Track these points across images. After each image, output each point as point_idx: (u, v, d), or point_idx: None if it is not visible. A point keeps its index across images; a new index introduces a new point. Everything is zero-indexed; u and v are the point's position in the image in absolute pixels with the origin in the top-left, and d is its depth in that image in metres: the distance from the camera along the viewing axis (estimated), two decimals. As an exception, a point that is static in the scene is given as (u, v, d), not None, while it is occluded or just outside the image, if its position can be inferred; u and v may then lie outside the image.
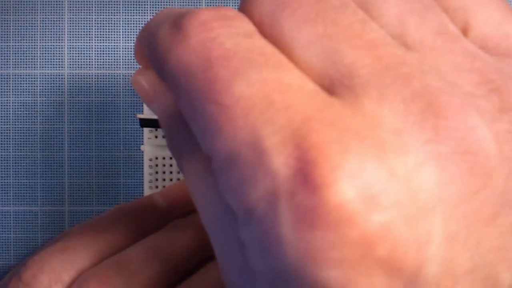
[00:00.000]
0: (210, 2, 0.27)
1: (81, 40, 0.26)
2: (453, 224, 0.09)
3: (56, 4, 0.26)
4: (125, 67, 0.26)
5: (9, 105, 0.26)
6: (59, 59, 0.26)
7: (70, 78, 0.26)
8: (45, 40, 0.26)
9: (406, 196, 0.09)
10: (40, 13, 0.26)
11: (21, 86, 0.26)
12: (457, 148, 0.10)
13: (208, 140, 0.10)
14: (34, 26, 0.26)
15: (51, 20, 0.26)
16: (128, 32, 0.26)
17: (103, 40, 0.26)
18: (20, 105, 0.26)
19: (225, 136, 0.10)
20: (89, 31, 0.26)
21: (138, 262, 0.19)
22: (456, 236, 0.09)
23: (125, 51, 0.26)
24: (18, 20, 0.26)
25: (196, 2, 0.27)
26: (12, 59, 0.26)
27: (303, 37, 0.11)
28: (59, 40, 0.26)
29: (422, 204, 0.09)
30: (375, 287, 0.09)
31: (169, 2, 0.27)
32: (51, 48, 0.26)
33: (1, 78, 0.26)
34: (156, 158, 0.26)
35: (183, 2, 0.27)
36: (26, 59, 0.26)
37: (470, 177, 0.10)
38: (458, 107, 0.10)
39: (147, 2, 0.27)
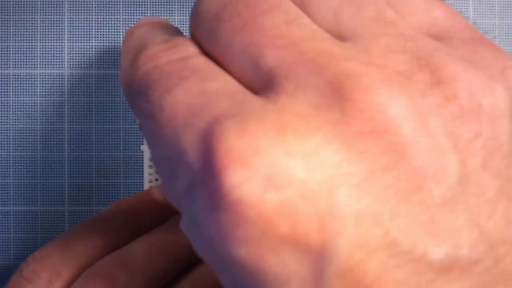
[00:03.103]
0: (210, 2, 0.27)
1: (81, 40, 0.26)
2: (362, 199, 0.10)
3: (56, 4, 0.26)
4: (125, 67, 0.26)
5: (9, 105, 0.26)
6: (59, 59, 0.26)
7: (70, 78, 0.26)
8: (45, 40, 0.26)
9: (303, 174, 0.09)
10: (40, 13, 0.26)
11: (21, 86, 0.26)
12: (363, 127, 0.10)
13: (149, 145, 0.12)
14: (34, 26, 0.26)
15: (51, 20, 0.26)
16: (128, 32, 0.26)
17: (103, 40, 0.26)
18: (20, 105, 0.26)
19: (157, 142, 0.11)
20: (89, 31, 0.26)
21: (143, 258, 0.19)
22: (366, 211, 0.10)
23: (125, 51, 0.26)
24: (18, 20, 0.26)
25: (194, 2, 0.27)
26: (12, 59, 0.26)
27: (235, 48, 0.11)
28: (59, 40, 0.26)
29: (323, 181, 0.09)
30: (286, 263, 0.09)
31: (169, 2, 0.27)
32: (51, 48, 0.26)
33: (1, 78, 0.26)
34: (156, 158, 0.26)
35: (183, 2, 0.27)
36: (26, 59, 0.26)
37: (379, 154, 0.10)
38: (369, 88, 0.10)
39: (147, 2, 0.27)
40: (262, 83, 0.11)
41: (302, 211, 0.09)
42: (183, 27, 0.26)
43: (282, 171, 0.09)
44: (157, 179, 0.26)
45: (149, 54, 0.12)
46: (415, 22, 0.12)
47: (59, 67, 0.26)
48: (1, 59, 0.26)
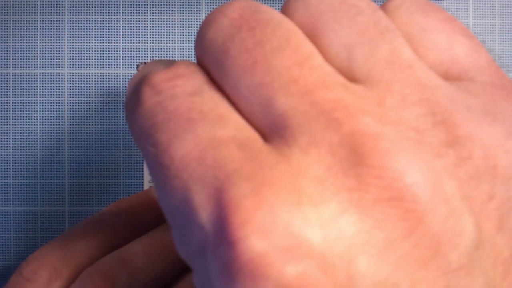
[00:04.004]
0: (210, 2, 0.27)
1: (81, 40, 0.26)
2: (381, 269, 0.09)
3: (56, 4, 0.26)
4: (125, 67, 0.26)
5: (9, 105, 0.26)
6: (59, 59, 0.26)
7: (70, 78, 0.26)
8: (45, 40, 0.26)
9: (321, 245, 0.09)
10: (40, 13, 0.26)
11: (21, 86, 0.26)
12: (381, 195, 0.09)
13: (157, 191, 0.11)
14: (34, 26, 0.26)
15: (51, 20, 0.26)
16: (128, 32, 0.26)
17: (103, 40, 0.26)
18: (20, 105, 0.26)
19: (166, 194, 0.10)
20: (89, 31, 0.26)
21: (142, 258, 0.19)
22: (385, 281, 0.09)
23: (125, 51, 0.26)
24: (18, 20, 0.26)
25: (196, 2, 0.27)
26: (12, 59, 0.26)
27: (244, 86, 0.11)
28: (59, 40, 0.26)
29: (342, 251, 0.09)
30: None
31: (169, 2, 0.27)
32: (51, 48, 0.26)
33: (1, 78, 0.26)
34: (156, 158, 0.26)
35: (183, 2, 0.27)
36: (26, 59, 0.26)
37: (397, 222, 0.09)
38: (385, 153, 0.10)
39: (147, 2, 0.27)
40: (272, 128, 0.10)
41: (322, 283, 0.09)
42: (183, 27, 0.27)
43: (301, 243, 0.09)
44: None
45: (152, 83, 0.11)
46: (434, 60, 0.12)
47: (59, 67, 0.26)
48: (1, 59, 0.26)
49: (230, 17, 0.11)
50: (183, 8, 0.27)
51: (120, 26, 0.26)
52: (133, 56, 0.26)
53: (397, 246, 0.09)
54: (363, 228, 0.09)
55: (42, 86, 0.26)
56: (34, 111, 0.26)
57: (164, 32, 0.26)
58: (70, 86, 0.26)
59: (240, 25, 0.11)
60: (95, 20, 0.26)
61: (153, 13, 0.27)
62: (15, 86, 0.26)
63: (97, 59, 0.26)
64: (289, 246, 0.09)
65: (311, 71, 0.10)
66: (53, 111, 0.26)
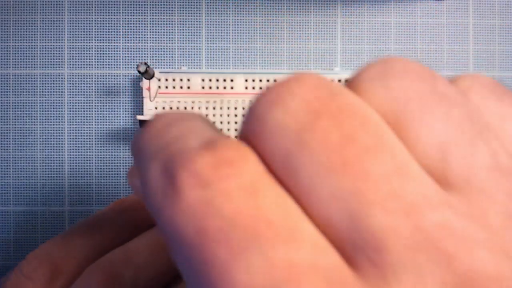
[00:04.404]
0: (210, 2, 0.27)
1: (81, 40, 0.26)
2: None
3: (56, 4, 0.26)
4: (125, 67, 0.26)
5: (9, 105, 0.26)
6: (59, 59, 0.26)
7: (70, 78, 0.26)
8: (45, 40, 0.26)
9: None
10: (40, 13, 0.26)
11: (21, 86, 0.26)
12: None
13: None
14: (34, 26, 0.26)
15: (51, 20, 0.26)
16: (128, 32, 0.26)
17: (103, 40, 0.26)
18: (20, 105, 0.26)
19: None
20: (89, 31, 0.26)
21: (146, 255, 0.19)
22: None
23: (125, 51, 0.26)
24: (18, 20, 0.26)
25: (196, 2, 0.27)
26: (12, 59, 0.26)
27: (325, 189, 0.09)
28: (59, 40, 0.26)
29: None
30: None
31: (169, 2, 0.27)
32: (51, 48, 0.26)
33: (1, 78, 0.26)
34: (156, 158, 0.26)
35: (183, 2, 0.27)
36: (26, 59, 0.26)
37: None
38: None
39: (147, 2, 0.27)
40: (359, 247, 0.08)
41: None
42: (183, 27, 0.26)
43: None
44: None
45: (195, 171, 0.09)
46: None
47: (59, 67, 0.26)
48: (1, 59, 0.26)
49: (304, 98, 0.09)
50: (183, 8, 0.27)
51: (120, 26, 0.26)
52: (133, 56, 0.26)
53: None
54: None
55: (42, 86, 0.26)
56: (34, 111, 0.26)
57: (164, 32, 0.26)
58: (70, 86, 0.26)
59: (319, 111, 0.09)
60: (95, 20, 0.26)
61: (153, 13, 0.27)
62: (15, 86, 0.26)
63: (97, 59, 0.26)
64: None
65: (411, 181, 0.09)
66: (53, 111, 0.26)
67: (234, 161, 0.09)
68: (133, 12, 0.27)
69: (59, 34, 0.26)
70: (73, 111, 0.26)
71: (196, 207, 0.08)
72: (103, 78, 0.26)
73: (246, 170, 0.09)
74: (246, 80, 0.25)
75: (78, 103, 0.26)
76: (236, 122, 0.25)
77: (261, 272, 0.08)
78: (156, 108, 0.25)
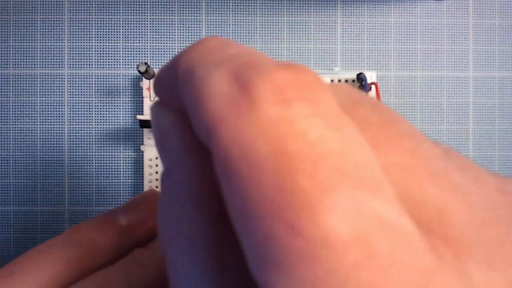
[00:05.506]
0: (210, 2, 0.27)
1: (81, 40, 0.26)
2: None
3: (56, 4, 0.26)
4: (125, 67, 0.26)
5: (9, 105, 0.26)
6: (59, 59, 0.26)
7: (70, 78, 0.26)
8: (45, 40, 0.26)
9: None
10: (40, 13, 0.26)
11: (21, 86, 0.26)
12: None
13: (263, 274, 0.07)
14: (34, 26, 0.26)
15: (51, 20, 0.26)
16: (128, 32, 0.26)
17: (103, 40, 0.26)
18: (20, 105, 0.26)
19: (296, 283, 0.07)
20: (89, 31, 0.26)
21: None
22: None
23: (125, 51, 0.26)
24: (18, 20, 0.26)
25: (196, 2, 0.27)
26: (12, 59, 0.26)
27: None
28: (59, 40, 0.26)
29: None
30: None
31: (169, 2, 0.27)
32: (51, 48, 0.26)
33: (1, 78, 0.26)
34: (156, 158, 0.26)
35: (183, 2, 0.27)
36: (26, 59, 0.26)
37: None
38: None
39: (147, 2, 0.27)
40: (427, 228, 0.08)
41: None
42: (183, 27, 0.27)
43: None
44: (157, 179, 0.26)
45: (276, 85, 0.07)
46: None
47: (59, 67, 0.26)
48: (1, 59, 0.26)
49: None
50: (183, 8, 0.27)
51: (120, 26, 0.26)
52: (133, 56, 0.26)
53: None
54: None
55: (42, 86, 0.26)
56: (34, 111, 0.26)
57: (164, 32, 0.26)
58: (70, 86, 0.26)
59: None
60: (95, 20, 0.26)
61: (153, 13, 0.27)
62: (15, 86, 0.26)
63: (97, 59, 0.26)
64: None
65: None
66: (53, 111, 0.26)
67: (314, 85, 0.08)
68: (133, 12, 0.27)
69: (59, 34, 0.26)
70: (73, 111, 0.26)
71: (277, 125, 0.07)
72: (103, 78, 0.26)
73: (329, 99, 0.08)
74: (246, 80, 0.25)
75: (78, 103, 0.26)
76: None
77: (351, 220, 0.07)
78: (156, 108, 0.25)
